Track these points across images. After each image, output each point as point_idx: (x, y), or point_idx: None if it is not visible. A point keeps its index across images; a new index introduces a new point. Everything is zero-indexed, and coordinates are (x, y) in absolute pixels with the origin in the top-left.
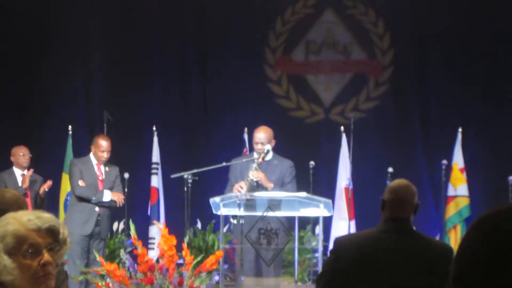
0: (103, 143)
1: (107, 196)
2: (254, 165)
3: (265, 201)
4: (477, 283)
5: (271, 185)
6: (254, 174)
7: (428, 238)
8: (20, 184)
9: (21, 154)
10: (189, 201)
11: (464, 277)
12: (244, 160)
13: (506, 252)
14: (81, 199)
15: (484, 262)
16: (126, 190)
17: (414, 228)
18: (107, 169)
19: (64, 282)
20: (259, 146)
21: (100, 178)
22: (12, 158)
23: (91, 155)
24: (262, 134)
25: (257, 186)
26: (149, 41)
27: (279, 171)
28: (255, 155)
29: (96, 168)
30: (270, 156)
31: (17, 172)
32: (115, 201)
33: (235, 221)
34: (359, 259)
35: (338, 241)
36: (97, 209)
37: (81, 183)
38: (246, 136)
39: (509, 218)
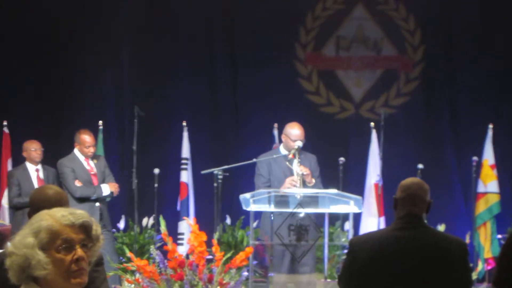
0: (87, 138)
1: (106, 190)
2: (296, 161)
3: (296, 198)
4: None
5: (313, 181)
6: (303, 169)
7: (442, 233)
8: (34, 181)
9: (33, 149)
10: (219, 197)
11: (502, 279)
12: (274, 156)
13: None
14: (81, 199)
15: None
16: (156, 185)
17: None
18: (95, 161)
19: (105, 282)
20: (298, 143)
21: (92, 172)
22: (24, 154)
23: (76, 151)
24: (300, 131)
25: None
26: (178, 37)
27: (308, 165)
28: (282, 151)
29: (85, 163)
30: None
31: (30, 167)
32: (112, 192)
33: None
34: (374, 258)
35: (353, 242)
36: (97, 204)
37: (77, 183)
38: (276, 132)
39: None
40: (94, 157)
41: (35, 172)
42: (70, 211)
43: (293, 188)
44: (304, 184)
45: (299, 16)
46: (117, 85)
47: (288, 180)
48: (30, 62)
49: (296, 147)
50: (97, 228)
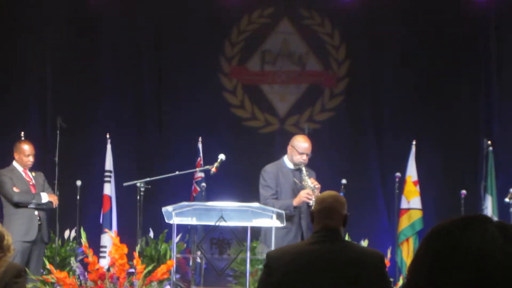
0: (27, 147)
1: (45, 197)
2: (306, 173)
3: (218, 210)
4: None
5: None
6: (314, 182)
7: (359, 246)
8: None
9: None
10: (142, 209)
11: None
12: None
13: (446, 264)
14: (18, 205)
15: (428, 273)
16: (78, 197)
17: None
18: (33, 174)
19: None
20: (304, 157)
21: (31, 183)
22: None
23: (14, 163)
24: (308, 145)
25: None
26: (103, 49)
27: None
28: (286, 162)
29: (24, 174)
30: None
31: None
32: (51, 202)
33: None
34: (290, 272)
35: (269, 255)
36: (36, 213)
37: (15, 189)
38: (200, 145)
39: (454, 231)
40: (32, 170)
41: None
42: None
43: (308, 201)
44: None
45: (225, 30)
46: (40, 95)
47: (303, 194)
48: None
49: (219, 160)
50: (8, 239)
